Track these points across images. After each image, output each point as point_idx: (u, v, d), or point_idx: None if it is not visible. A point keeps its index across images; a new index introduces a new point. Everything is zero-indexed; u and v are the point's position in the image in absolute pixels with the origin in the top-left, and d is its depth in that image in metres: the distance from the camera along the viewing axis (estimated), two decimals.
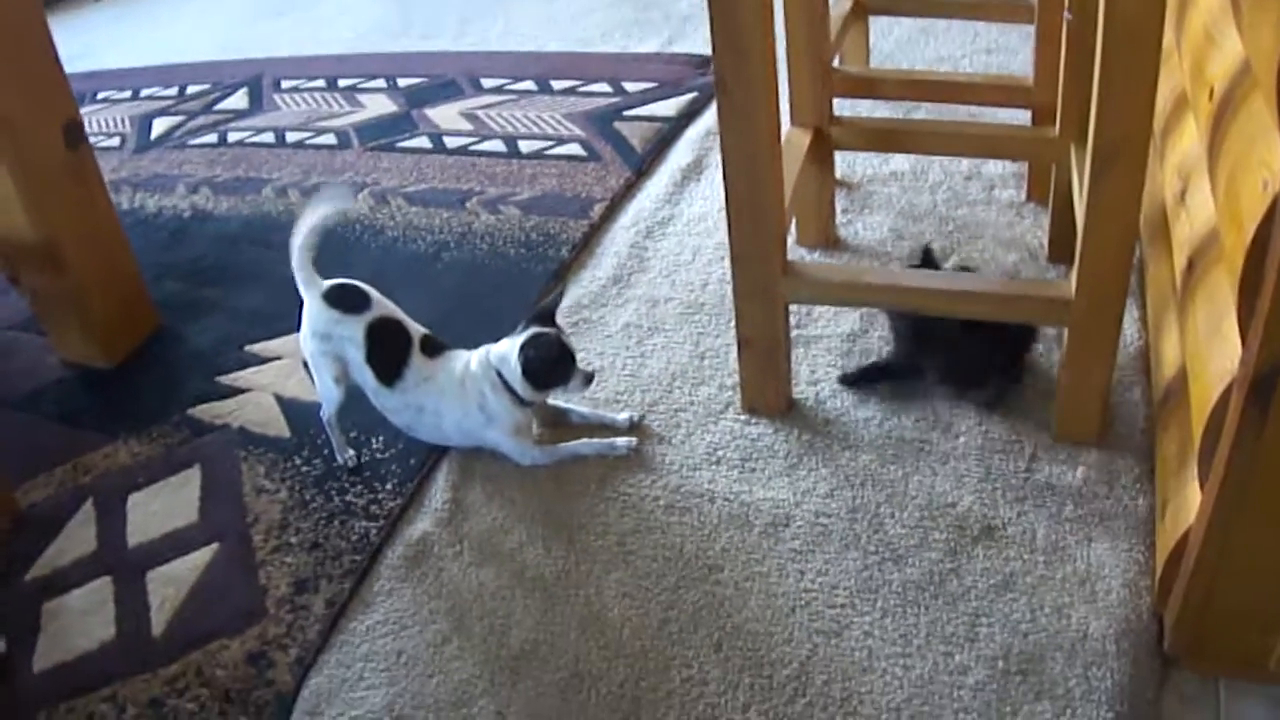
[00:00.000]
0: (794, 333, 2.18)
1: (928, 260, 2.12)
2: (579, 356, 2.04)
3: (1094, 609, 1.69)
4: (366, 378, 2.06)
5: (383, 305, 2.08)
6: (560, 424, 2.17)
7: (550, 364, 2.00)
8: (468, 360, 2.07)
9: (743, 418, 2.12)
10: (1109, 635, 1.65)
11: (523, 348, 1.99)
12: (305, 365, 2.32)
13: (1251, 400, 1.27)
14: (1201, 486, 1.47)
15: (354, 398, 2.12)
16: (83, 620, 1.91)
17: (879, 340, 2.26)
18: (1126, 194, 1.67)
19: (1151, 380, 2.06)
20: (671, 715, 1.63)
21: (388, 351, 2.05)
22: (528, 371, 1.99)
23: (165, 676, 1.79)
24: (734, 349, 2.17)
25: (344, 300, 2.06)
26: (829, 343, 2.27)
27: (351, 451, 2.14)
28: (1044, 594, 1.73)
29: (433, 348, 2.09)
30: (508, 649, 1.76)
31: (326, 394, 2.09)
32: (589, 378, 2.05)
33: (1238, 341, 1.34)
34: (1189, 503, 1.57)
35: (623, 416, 2.15)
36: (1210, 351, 1.50)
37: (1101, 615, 1.68)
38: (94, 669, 1.82)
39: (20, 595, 1.97)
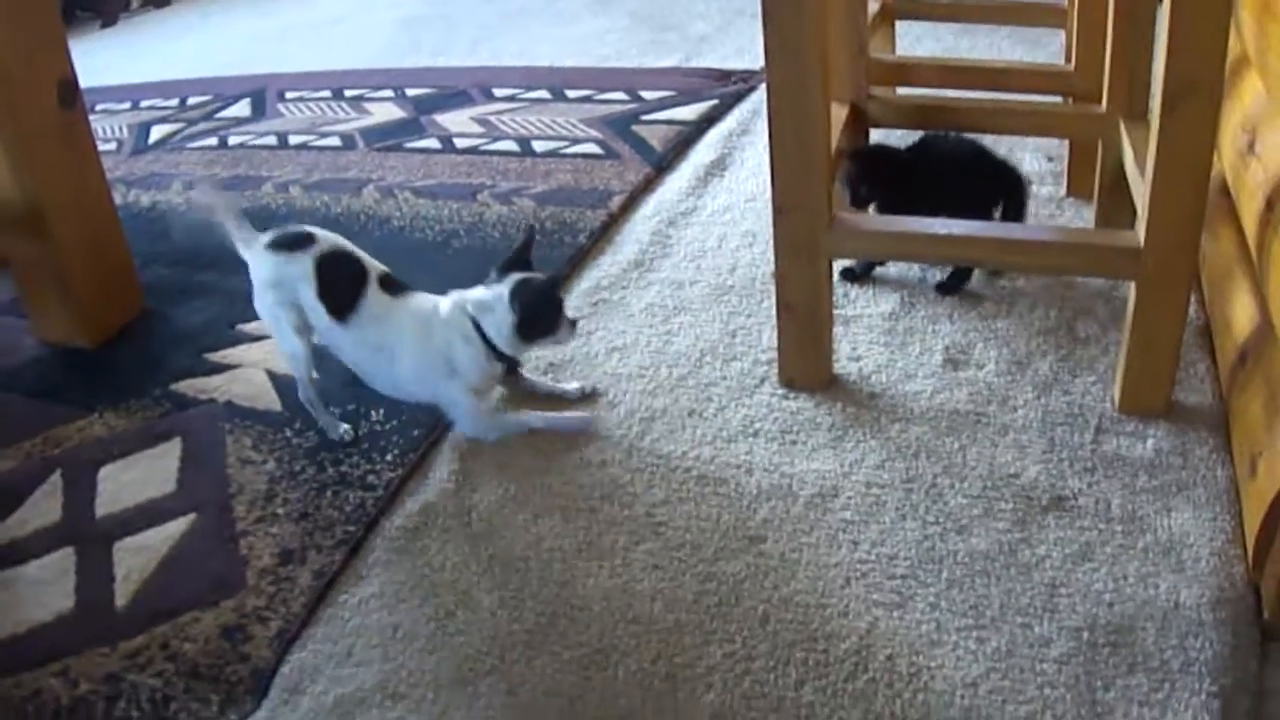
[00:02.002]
0: (833, 311, 1.99)
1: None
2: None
3: (1183, 578, 1.50)
4: (320, 317, 1.86)
5: (331, 239, 1.90)
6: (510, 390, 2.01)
7: (545, 310, 1.83)
8: (435, 305, 1.88)
9: (780, 391, 1.93)
10: (1203, 604, 1.46)
11: (514, 293, 1.79)
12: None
13: None
14: None
15: (341, 372, 1.93)
16: (39, 591, 1.69)
17: (922, 319, 2.08)
18: (1200, 131, 1.54)
19: (1218, 350, 1.90)
20: (712, 693, 1.42)
21: (341, 284, 1.86)
22: (523, 319, 1.80)
23: (125, 650, 1.57)
24: (768, 327, 2.02)
25: (288, 241, 1.88)
26: (869, 321, 2.09)
27: (346, 425, 1.94)
28: (1126, 563, 1.53)
29: (394, 286, 1.90)
30: (521, 623, 1.55)
31: (293, 354, 1.90)
32: (574, 324, 1.89)
33: None
34: None
35: (573, 386, 1.98)
36: None
37: (1192, 584, 1.49)
38: (46, 642, 1.60)
39: None
